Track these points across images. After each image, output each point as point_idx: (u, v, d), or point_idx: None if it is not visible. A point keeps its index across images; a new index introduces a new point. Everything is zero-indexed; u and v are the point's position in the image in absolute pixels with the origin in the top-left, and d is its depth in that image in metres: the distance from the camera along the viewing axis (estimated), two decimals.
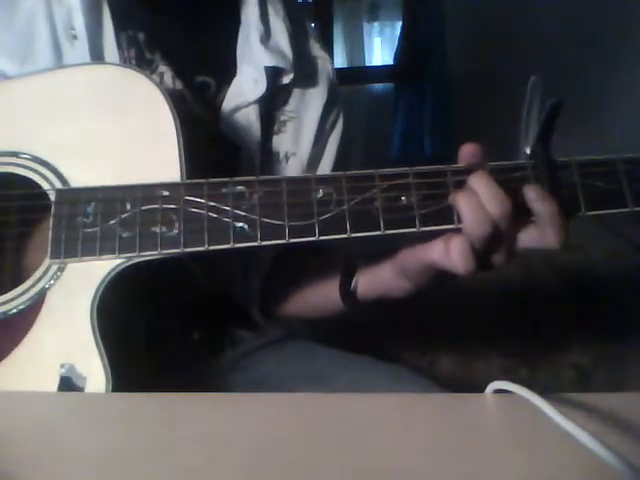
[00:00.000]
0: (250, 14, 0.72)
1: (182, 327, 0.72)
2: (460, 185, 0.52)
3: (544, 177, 0.51)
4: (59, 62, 0.65)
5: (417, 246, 0.54)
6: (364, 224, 0.51)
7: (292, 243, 0.51)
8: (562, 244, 0.50)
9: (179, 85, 0.68)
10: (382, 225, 0.51)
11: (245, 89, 0.70)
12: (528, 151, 0.52)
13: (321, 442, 0.41)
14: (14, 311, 0.53)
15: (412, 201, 0.51)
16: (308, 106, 0.75)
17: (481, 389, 0.47)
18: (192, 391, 0.48)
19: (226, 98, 0.70)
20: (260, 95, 0.69)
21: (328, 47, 0.82)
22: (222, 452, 0.40)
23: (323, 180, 0.52)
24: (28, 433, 0.44)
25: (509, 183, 0.51)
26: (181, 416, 0.46)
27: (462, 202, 0.50)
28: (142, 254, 0.52)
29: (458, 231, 0.51)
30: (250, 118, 0.70)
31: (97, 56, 0.65)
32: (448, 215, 0.51)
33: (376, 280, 0.61)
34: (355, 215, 0.51)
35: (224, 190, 0.52)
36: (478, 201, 0.49)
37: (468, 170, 0.52)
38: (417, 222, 0.51)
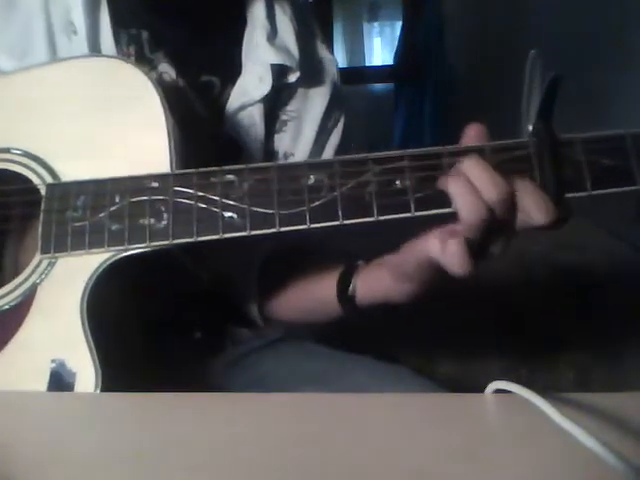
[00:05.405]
0: (256, 13, 0.71)
1: (183, 326, 0.72)
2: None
3: (547, 154, 0.48)
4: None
5: (413, 242, 0.52)
6: (357, 210, 0.49)
7: (283, 232, 0.49)
8: (548, 218, 0.47)
9: (182, 84, 0.68)
10: (375, 211, 0.49)
11: (250, 87, 0.69)
12: (530, 128, 0.50)
13: (321, 442, 0.41)
14: (6, 307, 0.53)
15: (407, 185, 0.49)
16: (310, 107, 0.74)
17: (481, 389, 0.47)
18: (192, 391, 0.48)
19: (231, 97, 0.69)
20: (265, 93, 0.69)
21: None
22: (222, 452, 0.40)
23: (314, 166, 0.50)
24: (27, 434, 0.44)
25: (509, 162, 0.48)
26: (181, 416, 0.46)
27: (455, 189, 0.47)
28: (131, 247, 0.51)
29: (454, 215, 0.48)
30: (254, 117, 0.69)
31: (96, 52, 0.64)
32: (444, 198, 0.48)
33: (375, 284, 0.60)
34: (347, 201, 0.49)
35: (213, 179, 0.51)
36: (472, 186, 0.47)
37: (465, 152, 0.49)
38: (412, 206, 0.48)
